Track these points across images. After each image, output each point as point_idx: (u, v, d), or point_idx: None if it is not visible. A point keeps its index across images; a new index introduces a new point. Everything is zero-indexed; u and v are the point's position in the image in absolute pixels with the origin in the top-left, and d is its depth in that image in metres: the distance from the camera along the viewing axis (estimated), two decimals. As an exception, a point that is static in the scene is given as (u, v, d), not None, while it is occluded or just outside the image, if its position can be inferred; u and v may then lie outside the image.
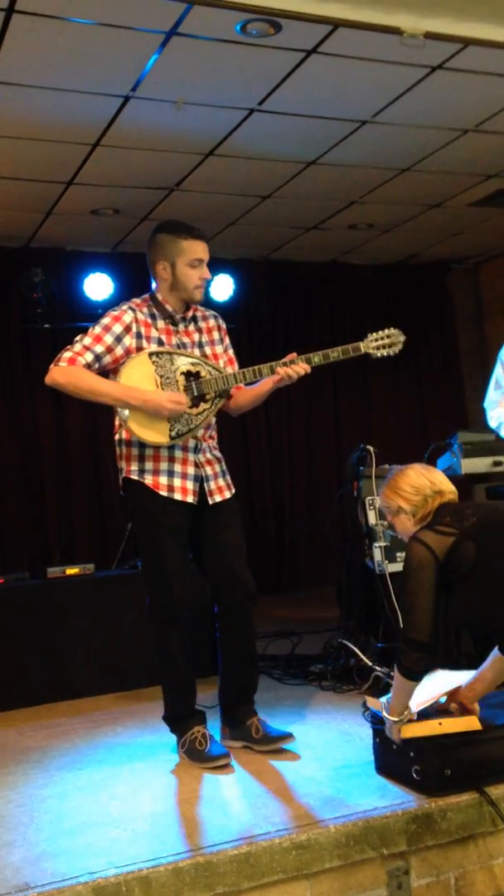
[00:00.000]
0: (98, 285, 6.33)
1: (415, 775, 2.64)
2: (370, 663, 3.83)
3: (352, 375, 7.46)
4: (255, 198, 5.89)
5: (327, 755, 3.07)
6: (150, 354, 3.05)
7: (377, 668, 3.77)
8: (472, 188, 5.97)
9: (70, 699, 4.06)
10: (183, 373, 3.07)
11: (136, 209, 5.92)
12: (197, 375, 3.09)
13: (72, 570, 4.27)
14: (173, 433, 3.04)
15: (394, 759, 2.74)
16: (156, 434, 3.03)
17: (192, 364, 3.09)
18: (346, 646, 3.97)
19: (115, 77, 4.16)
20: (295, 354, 3.11)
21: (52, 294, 6.41)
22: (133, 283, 6.47)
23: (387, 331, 3.17)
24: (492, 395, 3.86)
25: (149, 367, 3.04)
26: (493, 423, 3.83)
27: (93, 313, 6.19)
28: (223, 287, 6.73)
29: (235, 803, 2.69)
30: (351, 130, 4.94)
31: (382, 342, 3.15)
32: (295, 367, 3.07)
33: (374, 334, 3.16)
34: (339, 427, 7.54)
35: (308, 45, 3.98)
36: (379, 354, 3.15)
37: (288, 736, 3.12)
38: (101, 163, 5.09)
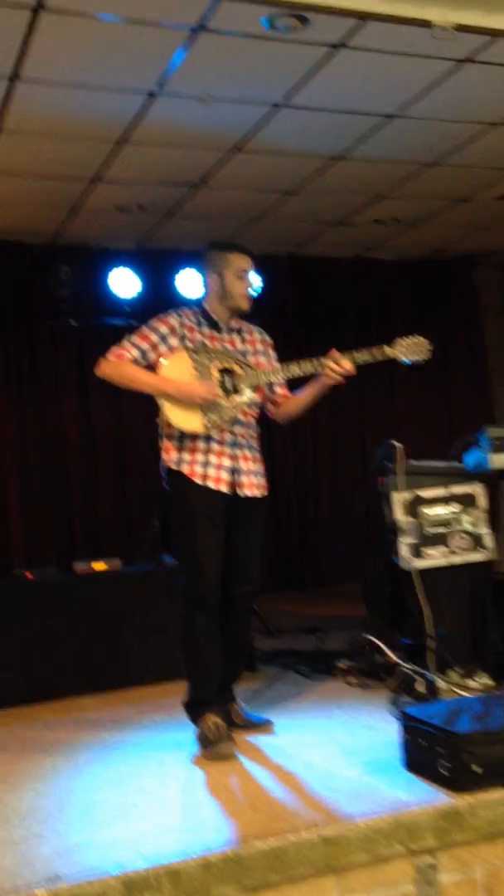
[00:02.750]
0: (124, 282, 6.33)
1: (444, 772, 2.63)
2: (397, 660, 3.82)
3: (378, 370, 7.35)
4: (281, 194, 5.88)
5: (355, 750, 3.07)
6: (190, 350, 3.25)
7: (403, 664, 3.76)
8: (499, 182, 5.92)
9: (98, 692, 4.09)
10: (219, 369, 3.26)
11: (162, 206, 5.93)
12: (231, 372, 3.27)
13: (99, 566, 4.30)
14: (207, 422, 3.20)
15: (422, 755, 2.73)
16: (191, 423, 3.20)
17: (229, 362, 3.27)
18: (371, 642, 3.97)
19: (140, 74, 4.17)
20: (336, 351, 3.28)
21: (78, 291, 6.43)
22: (159, 279, 6.50)
23: (414, 338, 3.36)
24: None
25: (187, 362, 3.24)
26: None
27: (119, 310, 6.23)
28: (248, 283, 6.73)
29: (263, 797, 2.70)
30: (378, 125, 4.92)
31: (410, 349, 3.35)
32: (340, 369, 3.23)
33: (402, 339, 3.35)
34: (363, 423, 7.52)
35: (335, 38, 3.96)
36: (406, 360, 3.36)
37: (268, 723, 3.36)
38: (126, 160, 5.11)
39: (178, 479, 3.23)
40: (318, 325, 7.32)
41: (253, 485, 3.30)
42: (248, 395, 3.26)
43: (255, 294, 3.43)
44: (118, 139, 4.85)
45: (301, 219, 6.42)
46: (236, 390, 3.25)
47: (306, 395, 3.38)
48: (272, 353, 3.48)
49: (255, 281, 3.41)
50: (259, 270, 6.80)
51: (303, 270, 7.31)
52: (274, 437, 7.18)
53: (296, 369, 3.27)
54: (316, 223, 6.57)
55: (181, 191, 5.68)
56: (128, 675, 4.17)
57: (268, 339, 3.48)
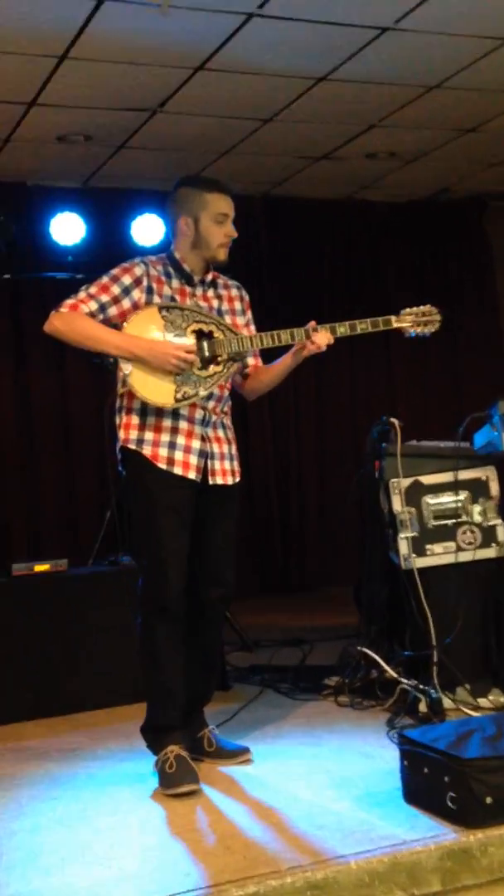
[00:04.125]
0: (67, 227, 6.30)
1: (450, 804, 2.69)
2: (395, 675, 3.86)
3: (372, 336, 7.45)
4: (255, 121, 5.87)
5: (347, 781, 3.11)
6: (161, 308, 3.24)
7: (403, 680, 3.81)
8: (514, 108, 5.96)
9: (42, 717, 4.09)
10: (194, 331, 3.24)
11: (112, 135, 5.90)
12: (210, 335, 3.25)
13: (41, 567, 4.30)
14: (179, 395, 3.20)
15: (425, 784, 2.78)
16: (160, 394, 3.19)
17: (206, 323, 3.26)
18: (366, 655, 4.01)
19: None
20: (314, 323, 3.31)
21: (12, 238, 6.38)
22: (109, 223, 6.48)
23: (423, 307, 3.42)
24: None
25: (157, 321, 3.23)
26: None
27: (61, 260, 6.21)
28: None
29: (239, 836, 2.74)
30: (369, 39, 4.93)
31: (418, 319, 3.41)
32: (320, 337, 3.26)
33: (410, 309, 3.42)
34: (355, 395, 7.57)
35: None
36: (413, 332, 3.44)
37: (245, 751, 3.38)
38: (69, 79, 5.07)
39: (138, 463, 3.23)
40: (297, 279, 7.34)
41: (226, 471, 3.32)
42: (227, 366, 3.26)
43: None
44: (59, 54, 4.82)
45: (278, 152, 6.42)
46: (215, 358, 3.24)
47: (280, 366, 3.39)
48: (249, 316, 3.50)
49: (233, 228, 3.38)
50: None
51: (280, 214, 7.31)
52: (249, 412, 7.20)
53: (283, 337, 3.27)
54: (296, 157, 6.57)
55: (135, 117, 5.66)
56: (77, 698, 4.18)
57: (245, 296, 3.50)
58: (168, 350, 3.15)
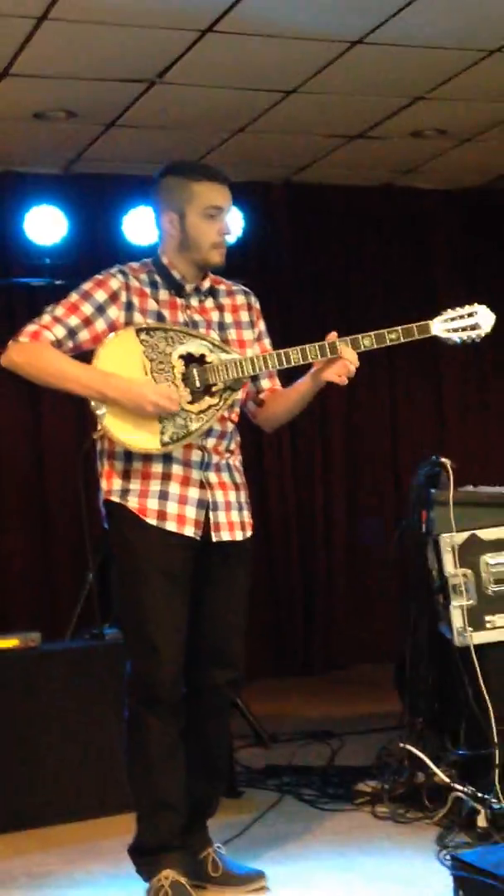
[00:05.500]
0: (45, 222, 6.32)
1: None
2: (447, 779, 3.82)
3: (416, 353, 7.46)
4: (275, 93, 5.90)
5: (386, 916, 3.09)
6: (139, 331, 3.22)
7: (457, 786, 3.77)
8: None
9: (8, 832, 4.06)
10: (182, 356, 3.22)
11: (100, 111, 5.95)
12: (201, 360, 3.23)
13: (8, 643, 4.29)
14: (165, 437, 3.18)
15: (486, 922, 2.75)
16: (142, 438, 3.18)
17: (197, 345, 3.24)
18: (410, 753, 3.97)
19: None
20: (335, 335, 3.27)
21: (-24, 235, 6.44)
22: (96, 218, 6.54)
23: (468, 308, 3.35)
24: None
25: (135, 347, 3.21)
26: None
27: (38, 263, 6.23)
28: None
29: None
30: (415, -6, 4.96)
31: (462, 324, 3.34)
32: (341, 369, 3.23)
33: (451, 311, 3.35)
34: (396, 430, 7.56)
35: None
36: (456, 339, 3.35)
37: (258, 876, 3.36)
38: (48, 43, 5.11)
39: (123, 518, 3.23)
40: (324, 282, 7.36)
41: (233, 524, 3.30)
42: (224, 397, 3.24)
43: (230, 241, 3.41)
44: (38, 15, 4.87)
45: (304, 130, 6.45)
46: (208, 389, 3.22)
47: (294, 392, 3.38)
48: (261, 327, 3.49)
49: (235, 223, 3.38)
50: (242, 203, 6.92)
51: (304, 204, 7.35)
52: (266, 450, 7.19)
53: (293, 357, 3.25)
54: (325, 136, 6.60)
55: (128, 89, 5.70)
56: (49, 808, 4.15)
57: (255, 304, 3.49)
58: (146, 394, 3.13)
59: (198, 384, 3.21)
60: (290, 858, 3.61)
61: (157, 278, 3.33)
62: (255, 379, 3.41)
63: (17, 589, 6.66)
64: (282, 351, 3.27)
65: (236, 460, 3.39)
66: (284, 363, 3.26)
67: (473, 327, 3.34)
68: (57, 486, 6.68)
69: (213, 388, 3.22)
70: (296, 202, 7.34)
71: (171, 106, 5.88)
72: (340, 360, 3.23)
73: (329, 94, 5.94)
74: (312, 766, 4.63)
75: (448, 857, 3.23)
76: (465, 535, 3.94)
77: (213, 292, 3.40)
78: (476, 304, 3.36)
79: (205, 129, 6.26)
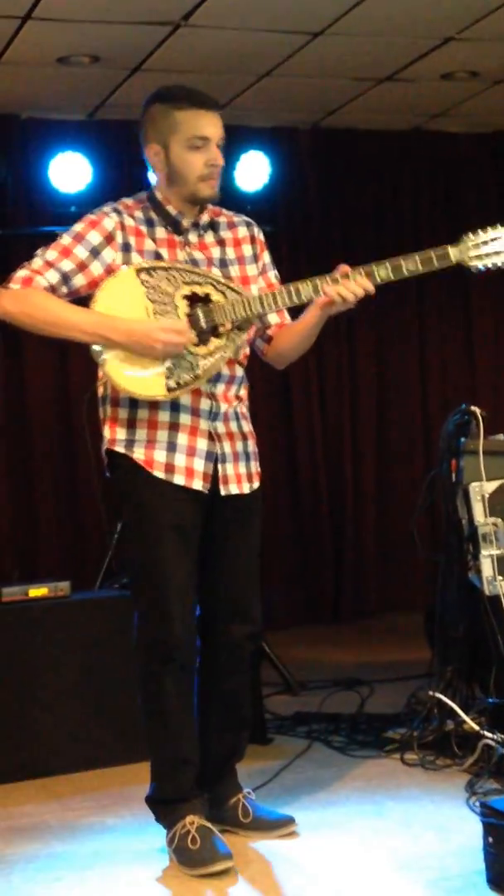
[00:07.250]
0: (70, 169, 6.32)
1: (546, 892, 2.66)
2: (477, 727, 3.84)
3: (445, 297, 7.42)
4: (302, 35, 5.84)
5: (417, 861, 3.09)
6: (139, 271, 3.12)
7: (487, 733, 3.78)
8: None
9: (39, 777, 4.11)
10: (186, 296, 3.12)
11: (125, 55, 5.90)
12: (206, 299, 3.13)
13: (37, 592, 4.33)
14: (172, 382, 3.10)
15: (515, 867, 2.76)
16: (148, 384, 3.09)
17: (201, 284, 3.14)
18: (440, 701, 3.99)
19: None
20: (347, 267, 3.16)
21: (1, 182, 6.40)
22: (121, 164, 6.49)
23: (492, 231, 3.21)
24: None
25: (137, 289, 3.11)
26: None
27: (62, 212, 6.21)
28: (254, 170, 6.70)
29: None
30: None
31: (486, 249, 3.20)
32: (349, 285, 3.12)
33: (473, 236, 3.22)
34: (426, 378, 7.54)
35: None
36: (480, 266, 3.21)
37: (288, 822, 3.37)
38: (71, -14, 5.09)
39: (129, 470, 3.17)
40: (353, 228, 7.31)
41: (240, 476, 3.25)
42: (233, 338, 3.15)
43: (229, 173, 3.29)
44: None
45: (331, 73, 6.39)
46: (216, 330, 3.14)
47: (300, 325, 3.27)
48: (266, 259, 3.39)
49: (218, 154, 3.18)
50: (269, 150, 6.88)
51: (332, 148, 7.30)
52: (294, 404, 7.17)
53: (304, 292, 3.13)
54: (353, 79, 6.53)
55: (153, 32, 5.65)
56: (81, 753, 4.20)
57: (259, 235, 3.38)
58: (152, 332, 3.04)
59: (204, 325, 3.11)
60: (320, 805, 3.63)
61: (153, 215, 3.24)
62: (262, 315, 3.26)
63: (44, 544, 6.69)
64: (291, 285, 3.17)
65: (244, 407, 3.32)
66: (295, 300, 3.17)
67: (499, 252, 3.20)
68: (82, 441, 6.69)
69: (220, 329, 3.13)
70: (323, 147, 7.29)
71: (196, 50, 5.82)
72: (345, 279, 3.12)
73: (357, 36, 5.87)
74: (341, 713, 4.65)
75: (477, 803, 3.26)
76: (496, 483, 3.93)
77: (213, 226, 3.30)
78: (500, 227, 3.21)
79: (230, 73, 6.20)
